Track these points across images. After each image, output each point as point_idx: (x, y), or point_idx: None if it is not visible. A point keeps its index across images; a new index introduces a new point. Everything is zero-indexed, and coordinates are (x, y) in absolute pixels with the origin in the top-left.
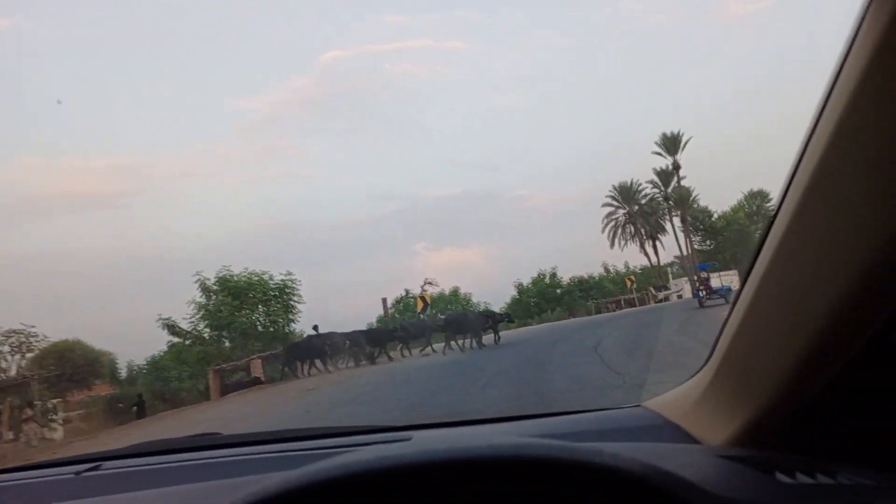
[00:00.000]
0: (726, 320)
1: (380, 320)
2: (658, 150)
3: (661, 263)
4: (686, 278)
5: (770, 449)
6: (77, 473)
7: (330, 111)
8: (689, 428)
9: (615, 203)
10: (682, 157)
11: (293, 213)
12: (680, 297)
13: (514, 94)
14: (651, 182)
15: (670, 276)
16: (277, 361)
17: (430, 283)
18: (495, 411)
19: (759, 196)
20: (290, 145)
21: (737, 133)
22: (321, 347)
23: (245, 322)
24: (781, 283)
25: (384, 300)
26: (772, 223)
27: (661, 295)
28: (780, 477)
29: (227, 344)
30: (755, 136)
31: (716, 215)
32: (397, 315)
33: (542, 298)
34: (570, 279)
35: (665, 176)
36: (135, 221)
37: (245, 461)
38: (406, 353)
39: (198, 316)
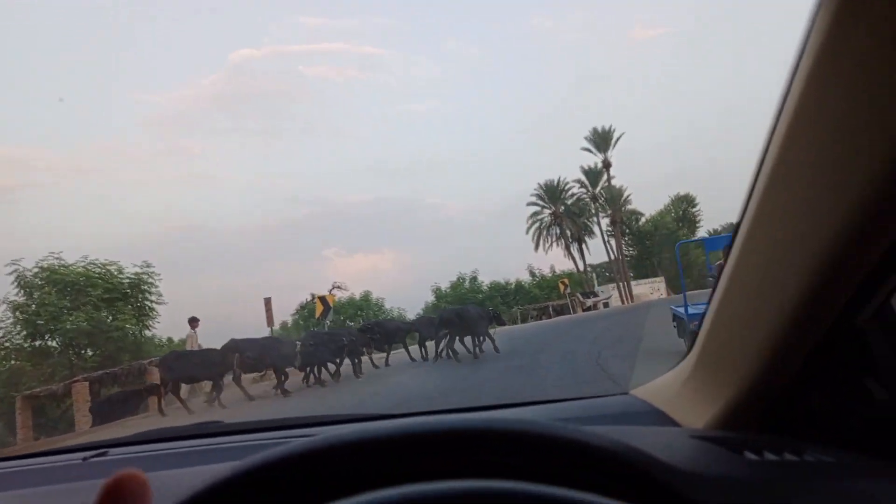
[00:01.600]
0: (706, 309)
1: (288, 327)
2: (588, 146)
3: (588, 267)
4: (613, 284)
5: (747, 431)
6: (84, 459)
7: (241, 111)
8: (673, 413)
9: (540, 203)
10: (612, 156)
11: (201, 215)
12: (606, 305)
13: (429, 101)
14: (578, 181)
15: (595, 281)
16: (119, 384)
17: (338, 287)
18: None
19: (685, 200)
20: (199, 144)
21: (656, 138)
22: (222, 361)
23: (75, 328)
24: (750, 273)
25: (267, 301)
26: (742, 217)
27: (589, 302)
28: (749, 455)
29: (56, 358)
30: (674, 143)
31: (643, 219)
32: (301, 322)
33: (462, 304)
34: (491, 284)
35: (593, 175)
36: (20, 218)
37: (247, 447)
38: (370, 362)
39: (10, 320)
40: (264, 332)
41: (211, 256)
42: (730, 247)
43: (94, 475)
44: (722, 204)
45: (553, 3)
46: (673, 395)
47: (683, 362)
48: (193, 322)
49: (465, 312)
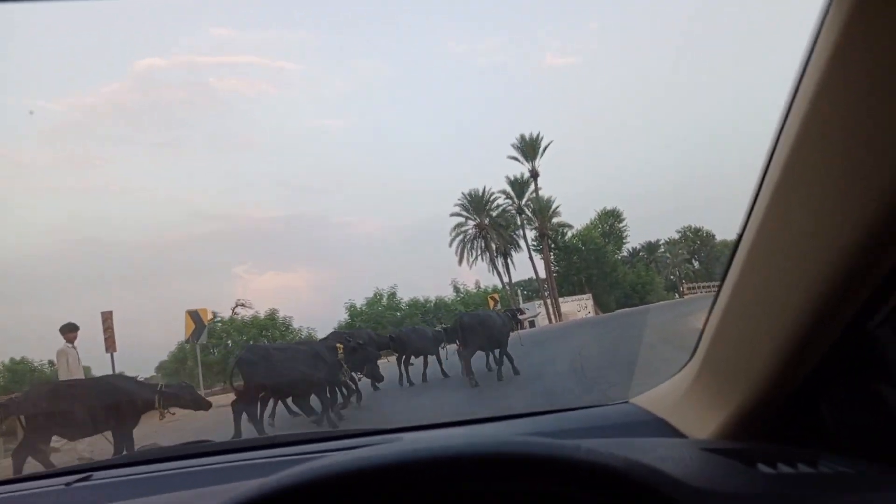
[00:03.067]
0: (708, 317)
1: (186, 348)
2: (514, 155)
3: (513, 283)
4: (539, 301)
5: (755, 441)
6: (67, 485)
7: (144, 121)
8: (676, 423)
9: (465, 214)
10: (540, 165)
11: (97, 228)
12: (532, 324)
13: (342, 117)
14: (504, 192)
15: (520, 297)
16: None
17: (242, 305)
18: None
19: (612, 215)
20: (98, 155)
21: (580, 151)
22: (136, 397)
23: None
24: (757, 279)
25: (106, 316)
26: (746, 222)
27: None
28: (762, 468)
29: None
30: (597, 156)
31: (570, 233)
32: (201, 344)
33: (378, 323)
34: (411, 300)
35: (519, 186)
36: None
37: (236, 467)
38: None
39: None
40: (105, 358)
41: (108, 272)
42: (734, 250)
43: (79, 501)
44: (648, 223)
45: (466, 28)
46: (675, 404)
47: (685, 369)
48: (69, 331)
49: (488, 319)
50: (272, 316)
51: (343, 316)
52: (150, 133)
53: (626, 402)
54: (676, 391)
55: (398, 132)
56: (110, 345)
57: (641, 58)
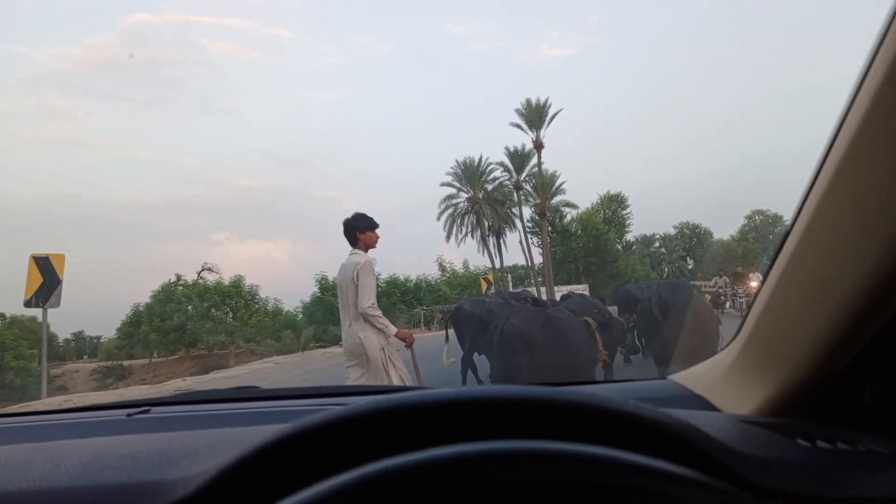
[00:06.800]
0: (755, 297)
1: (140, 309)
2: (518, 122)
3: (504, 265)
4: (532, 288)
5: (793, 419)
6: (128, 416)
7: (131, 78)
8: (714, 399)
9: (456, 185)
10: (545, 136)
11: (78, 184)
12: None
13: (333, 92)
14: (501, 164)
15: (510, 282)
16: None
17: (208, 269)
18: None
19: (615, 200)
20: (80, 108)
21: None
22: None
23: None
24: (811, 258)
25: None
26: (804, 202)
27: None
28: (800, 442)
29: None
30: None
31: (570, 215)
32: (156, 307)
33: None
34: (389, 277)
35: (519, 158)
36: None
37: (288, 412)
38: None
39: None
40: None
41: (87, 229)
42: (788, 232)
43: (139, 430)
44: (645, 215)
45: (464, 12)
46: (715, 381)
47: (727, 349)
48: (368, 229)
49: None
50: (237, 283)
51: (314, 288)
52: (135, 90)
53: (666, 379)
54: (717, 369)
55: (387, 109)
56: None
57: (638, 54)
